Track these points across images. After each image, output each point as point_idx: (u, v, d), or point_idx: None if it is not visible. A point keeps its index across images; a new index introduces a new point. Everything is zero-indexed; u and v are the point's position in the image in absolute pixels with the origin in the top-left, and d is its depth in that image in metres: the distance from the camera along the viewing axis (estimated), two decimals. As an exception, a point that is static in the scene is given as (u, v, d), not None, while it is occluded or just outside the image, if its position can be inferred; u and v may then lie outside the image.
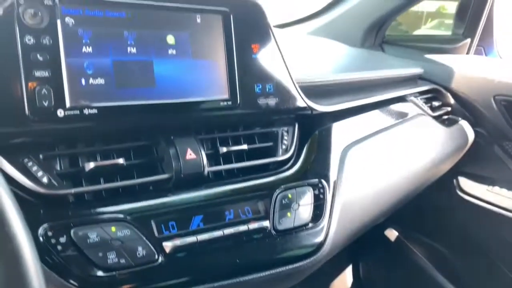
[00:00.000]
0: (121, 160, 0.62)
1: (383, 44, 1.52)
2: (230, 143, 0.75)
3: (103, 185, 0.61)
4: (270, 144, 0.78)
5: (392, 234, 1.59)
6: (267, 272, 0.66)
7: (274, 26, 0.76)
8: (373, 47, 1.51)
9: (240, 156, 0.75)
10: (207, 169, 0.67)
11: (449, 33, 1.56)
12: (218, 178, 0.72)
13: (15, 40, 0.53)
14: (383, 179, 0.94)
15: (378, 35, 1.49)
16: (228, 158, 0.74)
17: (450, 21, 1.87)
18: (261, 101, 0.73)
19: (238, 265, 0.64)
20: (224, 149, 0.72)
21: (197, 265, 0.61)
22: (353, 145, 0.86)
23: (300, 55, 1.17)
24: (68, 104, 0.56)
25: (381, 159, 0.94)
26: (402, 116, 1.11)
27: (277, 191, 0.71)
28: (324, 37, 1.55)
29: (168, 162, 0.65)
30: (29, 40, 0.53)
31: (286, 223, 0.69)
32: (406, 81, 1.25)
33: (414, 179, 1.07)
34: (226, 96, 0.70)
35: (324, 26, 1.59)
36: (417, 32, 1.86)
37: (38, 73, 0.54)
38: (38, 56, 0.54)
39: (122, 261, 0.55)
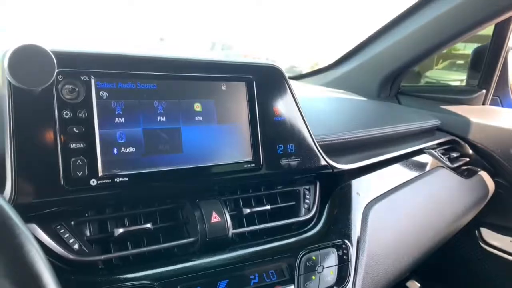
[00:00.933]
0: (148, 225, 0.64)
1: (399, 95, 1.55)
2: (253, 203, 0.76)
3: (131, 251, 0.62)
4: (293, 203, 0.79)
5: (414, 286, 1.55)
6: None
7: (289, 78, 0.79)
8: (388, 98, 1.54)
9: (263, 216, 0.76)
10: (231, 231, 0.68)
11: (463, 77, 1.58)
12: (242, 239, 0.73)
13: (53, 114, 0.56)
14: (406, 235, 0.93)
15: (393, 86, 1.52)
16: (251, 218, 0.75)
17: (461, 62, 1.89)
18: (283, 161, 0.75)
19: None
20: (248, 210, 0.73)
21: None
22: (374, 202, 0.86)
23: (316, 108, 1.20)
24: (100, 173, 0.58)
25: (403, 215, 0.94)
26: (421, 169, 1.11)
27: (301, 253, 0.71)
28: (339, 88, 1.59)
29: (194, 225, 0.66)
30: (66, 114, 0.56)
31: (311, 286, 0.69)
32: (423, 133, 1.26)
33: (436, 233, 1.06)
34: (249, 158, 0.72)
35: (339, 77, 1.63)
36: (429, 73, 1.88)
37: (73, 145, 0.56)
38: (74, 129, 0.57)
39: (151, 330, 0.56)
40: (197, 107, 0.68)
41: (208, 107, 0.69)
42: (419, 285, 1.53)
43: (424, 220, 1.01)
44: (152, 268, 0.61)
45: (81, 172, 0.57)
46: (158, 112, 0.64)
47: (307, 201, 0.80)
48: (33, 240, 0.34)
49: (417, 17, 1.38)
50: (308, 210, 0.79)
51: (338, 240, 0.76)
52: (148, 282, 0.59)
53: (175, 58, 0.67)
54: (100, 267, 0.60)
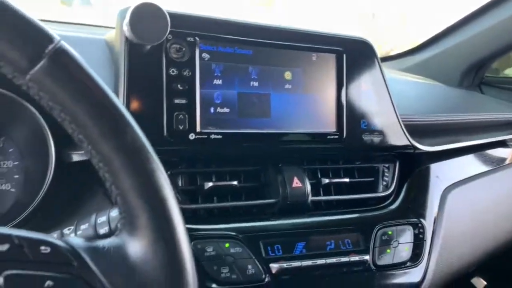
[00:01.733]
0: (235, 182, 0.68)
1: (482, 85, 1.48)
2: (330, 175, 0.78)
3: (218, 204, 0.67)
4: (371, 179, 0.80)
5: (479, 283, 1.50)
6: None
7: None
8: (470, 87, 1.48)
9: (339, 188, 0.78)
10: (310, 198, 0.70)
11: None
12: (317, 208, 0.75)
13: (161, 71, 0.61)
14: (482, 223, 0.91)
15: (477, 76, 1.45)
16: (328, 189, 0.77)
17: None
18: (366, 136, 0.76)
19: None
20: (326, 181, 0.75)
21: (299, 289, 0.64)
22: (454, 187, 0.85)
23: (397, 89, 1.18)
24: (198, 129, 0.63)
25: (481, 204, 0.92)
26: (502, 161, 1.07)
27: (377, 227, 0.72)
28: (418, 74, 1.55)
29: (275, 188, 0.69)
30: (173, 71, 0.61)
31: (386, 259, 0.70)
32: (507, 125, 1.20)
33: (512, 227, 1.03)
34: (333, 129, 0.73)
35: (419, 63, 1.58)
36: (508, 71, 1.78)
37: (177, 101, 0.61)
38: (179, 86, 0.61)
39: (234, 276, 0.60)
40: (287, 75, 0.70)
41: (298, 76, 0.71)
42: (485, 283, 1.48)
43: (502, 214, 0.98)
44: (235, 222, 0.65)
45: (182, 126, 0.61)
46: (252, 77, 0.67)
47: (385, 178, 0.81)
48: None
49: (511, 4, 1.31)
50: (386, 187, 0.80)
51: (414, 219, 0.76)
52: (234, 233, 0.63)
53: (271, 26, 0.69)
54: (187, 216, 0.65)
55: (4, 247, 0.30)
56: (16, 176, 0.64)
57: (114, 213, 0.47)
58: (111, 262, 0.33)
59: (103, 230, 0.47)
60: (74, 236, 0.48)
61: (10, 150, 0.64)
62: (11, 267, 0.30)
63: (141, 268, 0.33)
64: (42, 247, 0.31)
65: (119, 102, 0.35)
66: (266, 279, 0.62)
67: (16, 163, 0.64)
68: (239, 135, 0.66)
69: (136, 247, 0.34)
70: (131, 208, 0.34)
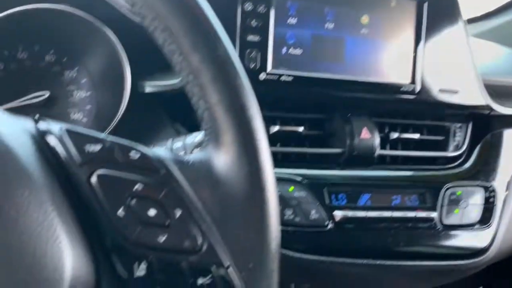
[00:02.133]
0: (300, 129, 0.66)
1: None
2: (399, 130, 0.75)
3: (284, 148, 0.65)
4: (442, 138, 0.76)
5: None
6: (426, 263, 0.65)
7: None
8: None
9: (405, 145, 0.75)
10: (378, 151, 0.68)
11: None
12: (381, 163, 0.72)
13: (236, 5, 0.59)
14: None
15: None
16: (394, 145, 0.74)
17: None
18: (441, 92, 0.72)
19: (402, 249, 0.64)
20: (395, 135, 0.72)
21: (362, 239, 0.62)
22: (530, 154, 0.79)
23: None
24: (269, 69, 0.61)
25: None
26: None
27: (446, 186, 0.69)
28: (490, 40, 1.45)
29: (342, 137, 0.67)
30: (248, 7, 0.59)
31: (453, 219, 0.67)
32: None
33: None
34: (407, 81, 0.70)
35: (492, 29, 1.48)
36: None
37: (250, 38, 0.60)
38: (253, 22, 0.59)
39: (297, 219, 0.59)
40: (364, 19, 0.67)
41: (375, 21, 0.67)
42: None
43: None
44: (300, 168, 0.64)
45: (253, 65, 0.60)
46: (327, 18, 0.64)
47: (457, 138, 0.76)
48: None
49: None
50: (457, 147, 0.76)
51: (486, 182, 0.72)
52: (299, 178, 0.62)
53: (351, -34, 0.65)
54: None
55: (97, 147, 0.30)
56: (88, 107, 0.65)
57: (190, 139, 0.47)
58: (197, 174, 0.33)
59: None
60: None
61: (83, 80, 0.65)
62: (103, 167, 0.30)
63: (226, 181, 0.33)
64: (132, 153, 0.31)
65: (213, 15, 0.34)
66: (329, 226, 0.61)
67: (88, 93, 0.65)
68: (310, 79, 0.63)
69: (221, 161, 0.33)
70: (218, 123, 0.34)
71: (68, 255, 0.27)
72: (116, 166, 0.30)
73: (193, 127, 0.62)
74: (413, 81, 0.70)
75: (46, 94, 0.62)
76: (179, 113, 0.63)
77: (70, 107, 0.64)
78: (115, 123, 0.60)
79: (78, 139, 0.30)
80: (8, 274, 0.24)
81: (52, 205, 0.27)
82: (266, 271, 0.33)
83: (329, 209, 0.61)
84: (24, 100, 0.61)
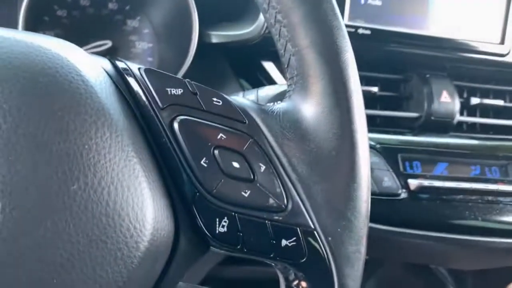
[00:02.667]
0: (374, 89, 0.61)
1: None
2: (479, 96, 0.68)
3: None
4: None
5: None
6: (506, 240, 0.60)
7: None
8: None
9: (484, 112, 0.68)
10: (457, 117, 0.62)
11: None
12: (459, 130, 0.66)
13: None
14: None
15: None
16: (473, 111, 0.67)
17: None
18: (534, 55, 0.64)
19: (480, 224, 0.58)
20: (476, 101, 0.65)
21: (437, 211, 0.57)
22: None
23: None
24: (346, 21, 0.56)
25: None
26: None
27: (534, 158, 0.62)
28: None
29: (419, 101, 0.62)
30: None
31: (541, 194, 0.61)
32: None
33: None
34: (496, 41, 0.62)
35: None
36: None
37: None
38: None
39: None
40: (453, -31, 0.59)
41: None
42: None
43: None
44: (373, 132, 0.59)
45: (328, 15, 0.55)
46: (411, -34, 0.58)
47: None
48: None
49: None
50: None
51: None
52: (372, 143, 0.57)
53: None
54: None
55: (179, 91, 0.27)
56: (150, 59, 0.63)
57: (263, 92, 0.43)
58: (282, 126, 0.29)
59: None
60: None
61: (146, 31, 0.62)
62: (185, 112, 0.27)
63: (314, 135, 0.29)
64: (215, 99, 0.28)
65: None
66: (402, 195, 0.56)
67: (150, 45, 0.62)
68: (388, 32, 0.58)
69: (310, 112, 0.29)
70: (308, 69, 0.30)
71: (149, 205, 0.24)
72: (199, 112, 0.27)
73: (258, 84, 0.59)
74: (502, 42, 0.62)
75: (109, 43, 0.60)
76: (244, 68, 0.59)
77: (132, 58, 0.62)
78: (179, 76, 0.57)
79: (159, 81, 0.27)
80: (87, 220, 0.22)
81: (133, 150, 0.24)
82: (354, 237, 0.30)
83: (403, 177, 0.57)
84: (87, 49, 0.59)
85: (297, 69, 0.30)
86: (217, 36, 0.55)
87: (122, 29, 0.61)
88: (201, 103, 0.27)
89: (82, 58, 0.26)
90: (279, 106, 0.31)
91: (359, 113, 0.30)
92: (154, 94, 0.27)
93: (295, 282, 0.29)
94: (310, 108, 0.29)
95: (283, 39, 0.30)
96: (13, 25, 0.53)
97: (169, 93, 0.27)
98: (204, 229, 0.26)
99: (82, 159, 0.22)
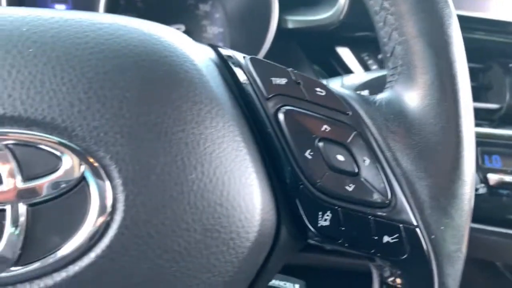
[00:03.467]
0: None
1: None
2: None
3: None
4: None
5: None
6: None
7: None
8: None
9: None
10: (541, 108, 0.58)
11: None
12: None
13: None
14: None
15: None
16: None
17: None
18: None
19: None
20: None
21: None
22: None
23: None
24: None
25: None
26: None
27: None
28: None
29: (501, 91, 0.58)
30: None
31: None
32: None
33: None
34: None
35: None
36: None
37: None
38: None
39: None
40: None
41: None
42: None
43: None
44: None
45: None
46: None
47: None
48: None
49: None
50: None
51: None
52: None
53: None
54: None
55: (283, 80, 0.27)
56: (221, 44, 0.63)
57: (349, 80, 0.42)
58: (385, 118, 0.28)
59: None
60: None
61: (217, 15, 0.62)
62: (290, 103, 0.26)
63: (418, 129, 0.28)
64: (318, 89, 0.28)
65: None
66: (481, 190, 0.54)
67: (221, 29, 0.62)
68: (468, 19, 0.55)
69: (414, 105, 0.28)
70: (415, 60, 0.28)
71: (258, 195, 0.24)
72: (302, 102, 0.27)
73: (331, 70, 0.58)
74: None
75: (182, 28, 0.60)
76: (317, 54, 0.58)
77: (203, 43, 0.62)
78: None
79: (264, 70, 0.27)
80: (203, 209, 0.22)
81: (243, 140, 0.24)
82: (457, 235, 0.28)
83: (482, 171, 0.54)
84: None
85: (402, 59, 0.29)
86: (293, 22, 0.54)
87: (194, 13, 0.61)
88: (305, 93, 0.27)
89: (192, 46, 0.26)
90: (381, 96, 0.30)
91: (467, 108, 0.28)
92: (260, 84, 0.26)
93: (391, 279, 0.29)
94: (416, 100, 0.28)
95: (388, 27, 0.29)
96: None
97: (274, 82, 0.27)
98: (307, 222, 0.26)
99: (199, 148, 0.22)
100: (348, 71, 0.55)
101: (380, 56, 0.57)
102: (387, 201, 0.27)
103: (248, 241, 0.23)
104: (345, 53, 0.56)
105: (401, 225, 0.27)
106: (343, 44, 0.56)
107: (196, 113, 0.23)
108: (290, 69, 0.28)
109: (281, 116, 0.26)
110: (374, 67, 0.56)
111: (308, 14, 0.54)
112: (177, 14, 0.61)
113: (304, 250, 0.29)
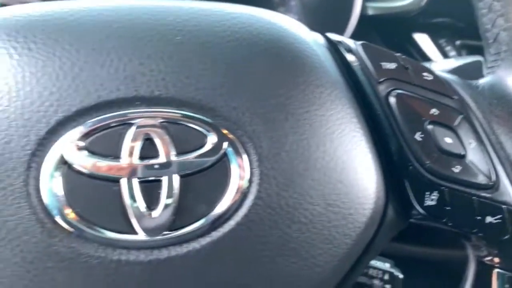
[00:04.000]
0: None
1: None
2: None
3: None
4: None
5: None
6: None
7: None
8: None
9: None
10: None
11: None
12: None
13: None
14: None
15: None
16: None
17: None
18: None
19: None
20: None
21: None
22: None
23: None
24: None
25: None
26: None
27: None
28: None
29: None
30: None
31: None
32: None
33: None
34: None
35: None
36: None
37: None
38: None
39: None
40: None
41: None
42: None
43: None
44: None
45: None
46: None
47: None
48: None
49: None
50: None
51: None
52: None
53: None
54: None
55: (392, 65, 0.28)
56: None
57: (437, 66, 0.42)
58: (489, 103, 0.29)
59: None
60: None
61: (293, 3, 0.63)
62: (399, 86, 0.28)
63: None
64: (425, 73, 0.29)
65: None
66: None
67: (296, 17, 0.63)
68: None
69: None
70: None
71: (372, 175, 0.26)
72: (411, 86, 0.28)
73: (407, 56, 0.58)
74: None
75: (259, 16, 0.62)
76: (393, 40, 0.58)
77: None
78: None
79: (374, 54, 0.28)
80: (325, 185, 0.24)
81: (358, 122, 0.26)
82: None
83: None
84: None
85: (507, 45, 0.29)
86: (374, 8, 0.55)
87: (270, 1, 0.63)
88: (413, 77, 0.28)
89: (307, 32, 0.28)
90: (484, 81, 0.30)
91: None
92: (371, 68, 0.28)
93: (488, 258, 0.30)
94: None
95: (493, 13, 0.29)
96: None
97: (384, 67, 0.28)
98: (414, 201, 0.27)
99: (321, 129, 0.24)
100: (425, 57, 0.55)
101: (458, 42, 0.57)
102: (491, 183, 0.28)
103: (364, 216, 0.25)
104: (423, 40, 0.56)
105: (504, 207, 0.28)
106: (420, 30, 0.56)
107: (318, 96, 0.24)
108: (398, 54, 0.29)
109: (392, 100, 0.27)
110: (452, 53, 0.56)
111: (389, 1, 0.54)
112: (253, 1, 0.62)
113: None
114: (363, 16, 0.56)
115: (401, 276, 0.38)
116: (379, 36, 0.58)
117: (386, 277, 0.37)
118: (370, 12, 0.55)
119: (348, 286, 0.28)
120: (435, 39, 0.56)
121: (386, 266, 0.37)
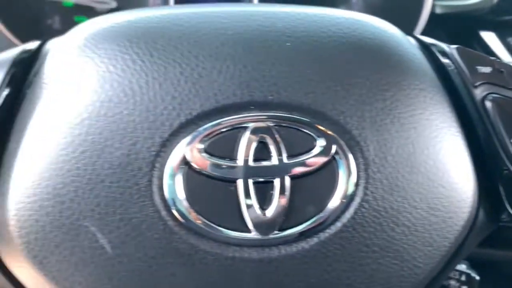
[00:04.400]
0: None
1: None
2: None
3: None
4: None
5: None
6: None
7: None
8: None
9: None
10: None
11: None
12: None
13: None
14: None
15: None
16: None
17: None
18: None
19: None
20: None
21: None
22: None
23: None
24: None
25: None
26: None
27: None
28: None
29: None
30: None
31: None
32: None
33: None
34: None
35: None
36: None
37: None
38: None
39: None
40: None
41: None
42: None
43: None
44: None
45: None
46: None
47: None
48: None
49: None
50: None
51: None
52: None
53: None
54: None
55: (487, 69, 0.28)
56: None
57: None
58: None
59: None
60: None
61: (354, 0, 0.63)
62: (495, 90, 0.28)
63: None
64: None
65: None
66: None
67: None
68: None
69: None
70: None
71: (470, 179, 0.26)
72: (507, 91, 0.28)
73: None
74: None
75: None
76: (460, 38, 0.57)
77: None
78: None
79: (469, 58, 0.28)
80: (429, 189, 0.24)
81: (457, 126, 0.26)
82: None
83: None
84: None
85: None
86: (442, 7, 0.54)
87: (331, -1, 0.63)
88: (509, 81, 0.28)
89: (403, 35, 0.28)
90: None
91: None
92: (466, 72, 0.28)
93: None
94: None
95: None
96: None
97: (479, 71, 0.28)
98: (508, 205, 0.27)
99: (424, 132, 0.24)
100: (493, 56, 0.54)
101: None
102: None
103: (463, 220, 0.25)
104: (491, 38, 0.54)
105: None
106: (487, 28, 0.55)
107: (422, 100, 0.25)
108: (493, 58, 0.29)
109: (488, 104, 0.27)
110: (521, 52, 0.54)
111: (452, -1, 0.53)
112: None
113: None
114: (431, 15, 0.56)
115: (477, 277, 0.37)
116: (445, 34, 0.57)
117: (463, 278, 0.37)
118: (438, 10, 0.54)
119: (436, 287, 0.28)
120: (503, 37, 0.54)
121: (463, 267, 0.37)
